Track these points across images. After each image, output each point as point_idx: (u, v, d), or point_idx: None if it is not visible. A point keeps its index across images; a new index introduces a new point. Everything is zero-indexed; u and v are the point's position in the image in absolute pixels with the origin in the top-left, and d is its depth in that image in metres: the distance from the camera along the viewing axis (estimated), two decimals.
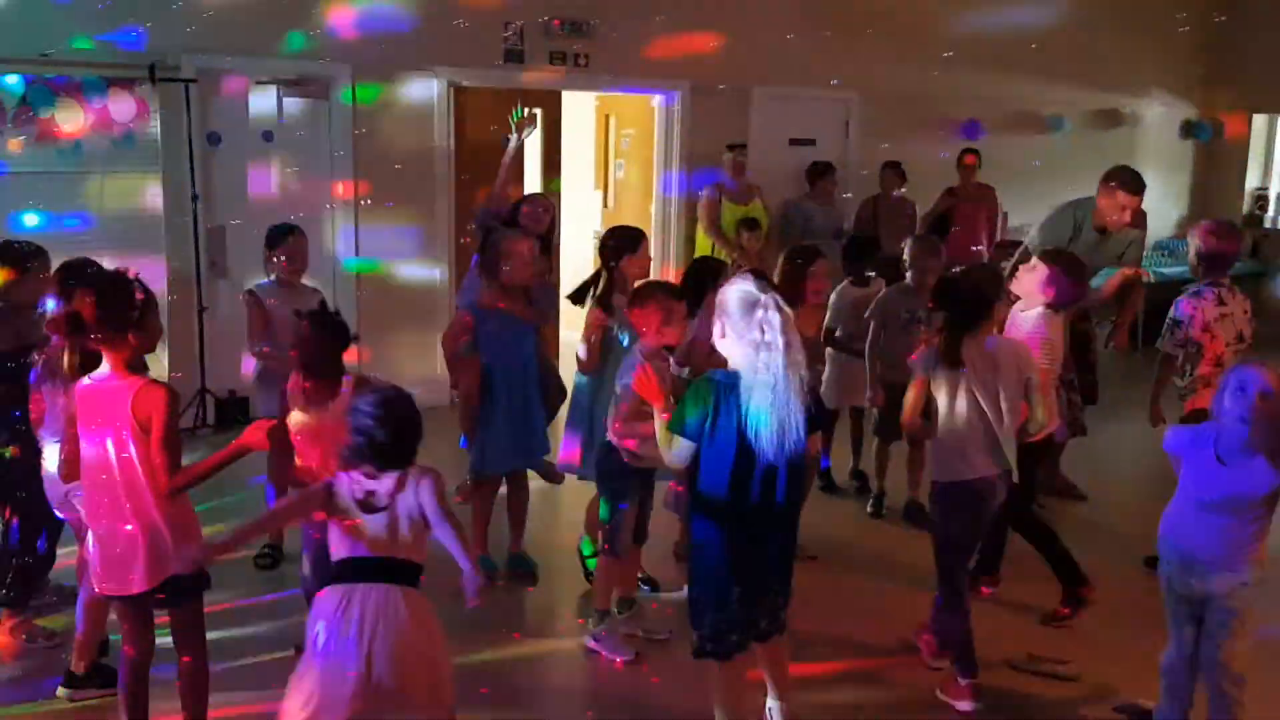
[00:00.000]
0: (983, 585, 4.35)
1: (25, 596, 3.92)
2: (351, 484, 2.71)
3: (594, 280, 4.26)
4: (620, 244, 4.23)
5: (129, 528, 2.89)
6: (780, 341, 2.79)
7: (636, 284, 4.02)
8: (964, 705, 3.56)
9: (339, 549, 2.73)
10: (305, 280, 4.63)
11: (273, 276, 4.56)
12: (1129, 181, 5.04)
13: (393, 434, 2.66)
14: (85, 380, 2.94)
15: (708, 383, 2.94)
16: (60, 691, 3.52)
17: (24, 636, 3.87)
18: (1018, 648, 3.90)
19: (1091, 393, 4.99)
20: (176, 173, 6.15)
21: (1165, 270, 9.00)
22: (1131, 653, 3.79)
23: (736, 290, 2.89)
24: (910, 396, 3.55)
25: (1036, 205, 8.80)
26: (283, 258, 4.50)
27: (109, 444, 2.88)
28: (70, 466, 3.04)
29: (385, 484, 2.70)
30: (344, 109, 6.57)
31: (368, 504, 2.70)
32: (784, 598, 3.10)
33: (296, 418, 3.33)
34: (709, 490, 2.95)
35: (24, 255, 3.83)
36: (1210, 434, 3.08)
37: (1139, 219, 5.26)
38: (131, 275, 2.98)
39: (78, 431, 2.95)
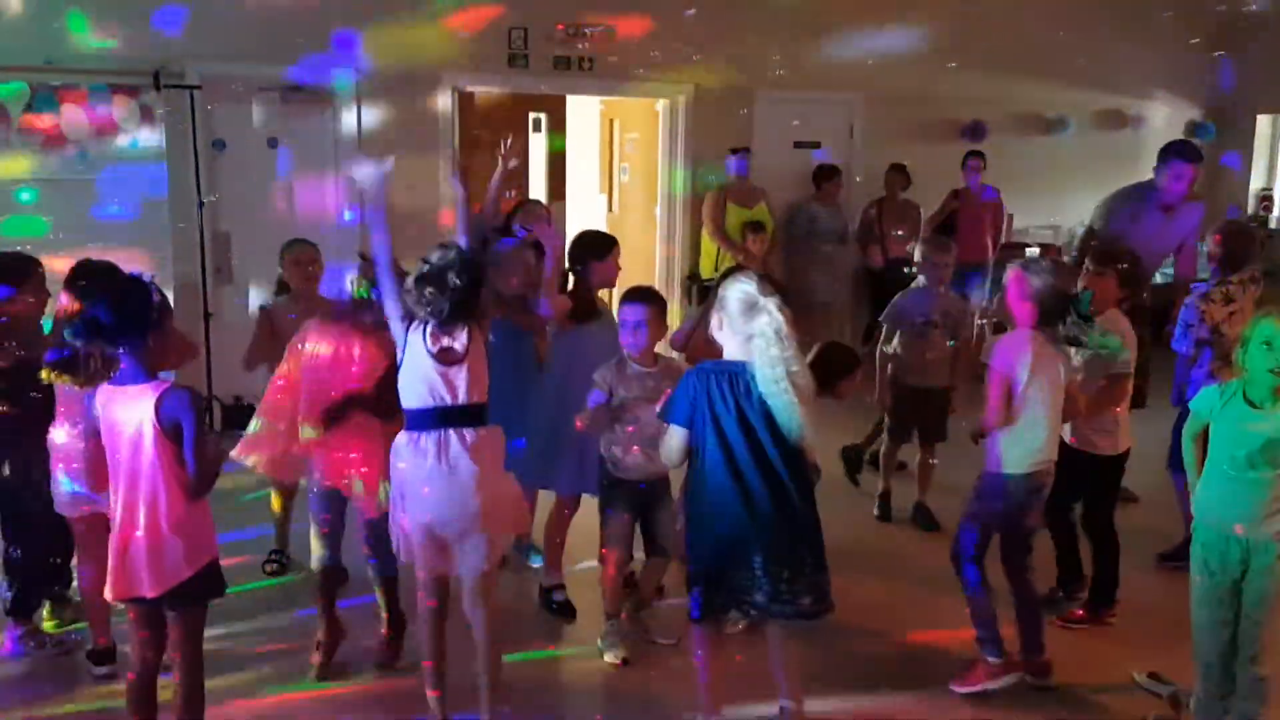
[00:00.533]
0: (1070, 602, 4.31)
1: (32, 605, 3.93)
2: (428, 338, 3.05)
3: (561, 282, 4.22)
4: (589, 249, 4.17)
5: (142, 532, 2.88)
6: (780, 334, 2.90)
7: (630, 288, 3.99)
8: (1000, 682, 3.62)
9: (419, 399, 3.06)
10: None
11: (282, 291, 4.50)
12: (1183, 150, 5.13)
13: (468, 284, 3.01)
14: (105, 385, 2.92)
15: (696, 373, 3.08)
16: (95, 669, 3.66)
17: (32, 644, 3.87)
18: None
19: (1140, 396, 4.98)
20: (181, 179, 6.17)
21: (1169, 270, 8.96)
22: (1143, 653, 3.80)
23: (738, 290, 2.99)
24: (997, 392, 3.58)
25: (1042, 207, 8.88)
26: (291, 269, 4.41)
27: (132, 448, 2.87)
28: (97, 478, 3.00)
29: (460, 339, 3.07)
30: (349, 115, 6.59)
31: (445, 357, 3.04)
32: (801, 580, 3.09)
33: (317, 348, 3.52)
34: (707, 470, 3.06)
35: (17, 269, 3.74)
36: (1236, 386, 3.08)
37: (1195, 195, 5.30)
38: (146, 278, 2.97)
39: (99, 438, 2.93)
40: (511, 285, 4.15)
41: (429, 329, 3.08)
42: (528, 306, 4.25)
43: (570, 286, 4.20)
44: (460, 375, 3.06)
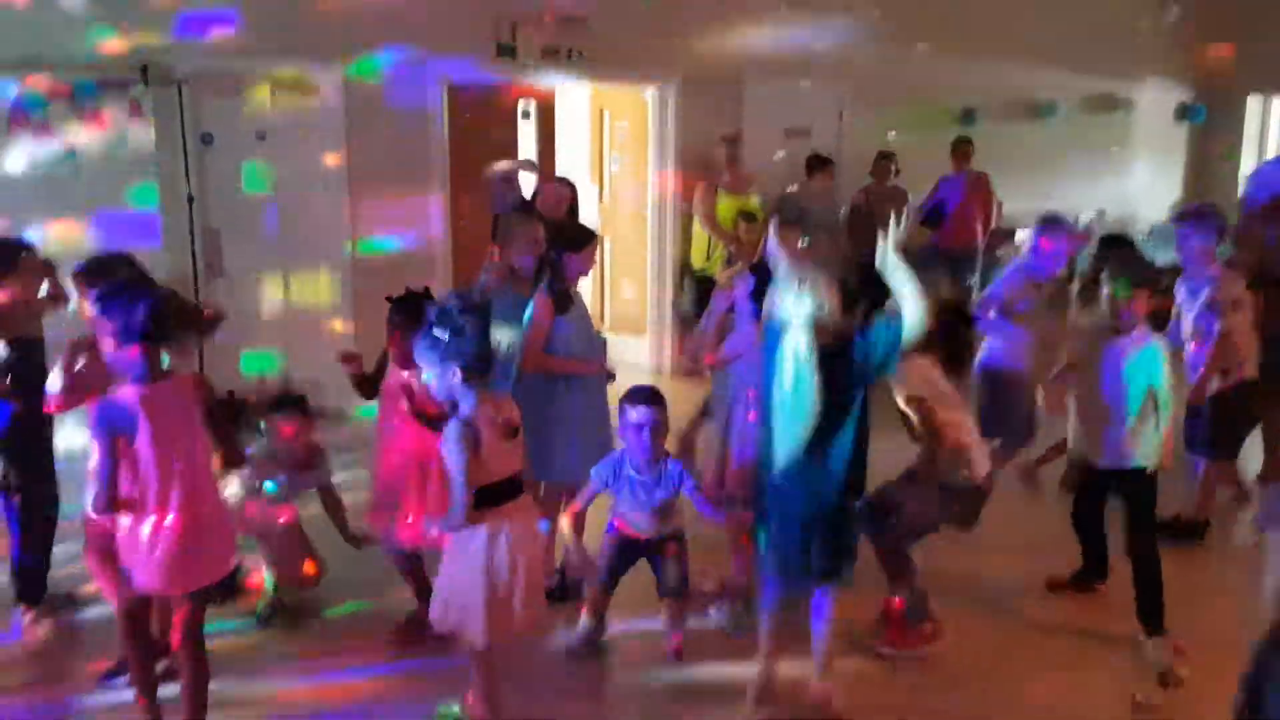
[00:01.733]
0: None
1: (39, 589, 3.94)
2: (495, 413, 3.03)
3: (538, 269, 4.23)
4: (569, 242, 4.15)
5: (204, 520, 2.98)
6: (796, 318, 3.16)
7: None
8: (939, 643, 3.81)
9: (487, 475, 2.99)
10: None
11: None
12: None
13: (483, 340, 2.99)
14: (134, 387, 2.90)
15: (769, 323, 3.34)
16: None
17: (47, 623, 3.88)
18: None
19: None
20: (171, 174, 6.15)
21: (1160, 256, 8.99)
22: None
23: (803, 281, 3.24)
24: None
25: (1032, 192, 8.89)
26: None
27: (181, 443, 2.93)
28: (112, 493, 2.91)
29: (517, 413, 3.11)
30: (337, 107, 6.57)
31: (509, 429, 3.04)
32: (831, 550, 3.24)
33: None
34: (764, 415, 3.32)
35: (12, 251, 3.77)
36: None
37: None
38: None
39: (116, 447, 2.88)
40: (522, 259, 4.19)
41: (481, 402, 3.02)
42: (540, 280, 4.24)
43: (546, 277, 4.15)
44: (515, 446, 3.09)
